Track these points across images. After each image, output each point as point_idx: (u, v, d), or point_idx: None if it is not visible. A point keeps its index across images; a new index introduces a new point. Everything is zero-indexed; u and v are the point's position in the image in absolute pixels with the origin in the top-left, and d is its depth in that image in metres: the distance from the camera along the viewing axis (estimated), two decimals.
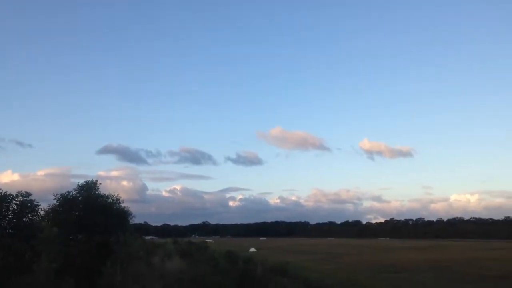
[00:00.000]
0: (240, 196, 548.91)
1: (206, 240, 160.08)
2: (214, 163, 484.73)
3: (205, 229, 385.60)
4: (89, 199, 22.83)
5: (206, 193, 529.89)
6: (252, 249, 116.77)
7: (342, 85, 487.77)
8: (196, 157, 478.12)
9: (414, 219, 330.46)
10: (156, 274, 29.74)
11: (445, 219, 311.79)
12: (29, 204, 17.83)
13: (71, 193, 22.90)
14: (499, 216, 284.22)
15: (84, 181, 23.61)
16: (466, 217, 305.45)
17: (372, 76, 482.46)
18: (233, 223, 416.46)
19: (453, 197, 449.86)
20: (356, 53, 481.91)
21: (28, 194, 18.06)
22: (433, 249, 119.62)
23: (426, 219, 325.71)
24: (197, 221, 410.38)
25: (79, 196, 22.93)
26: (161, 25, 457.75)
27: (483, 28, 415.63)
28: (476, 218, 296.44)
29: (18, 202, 17.53)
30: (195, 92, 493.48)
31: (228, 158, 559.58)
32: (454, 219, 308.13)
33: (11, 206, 17.32)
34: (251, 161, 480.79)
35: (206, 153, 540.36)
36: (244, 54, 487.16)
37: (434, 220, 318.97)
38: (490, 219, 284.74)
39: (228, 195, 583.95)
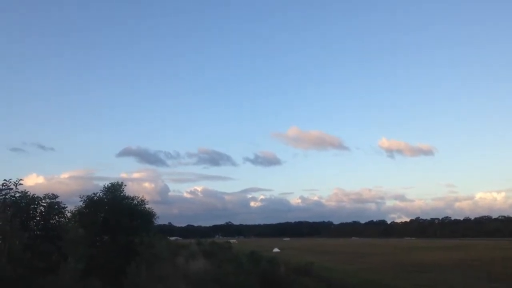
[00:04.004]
0: (261, 197, 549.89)
1: (230, 241, 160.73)
2: (233, 164, 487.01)
3: (228, 229, 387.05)
4: (115, 201, 23.20)
5: (227, 193, 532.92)
6: (276, 249, 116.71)
7: (358, 84, 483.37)
8: (215, 158, 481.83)
9: (440, 218, 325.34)
10: (180, 274, 29.98)
11: (472, 218, 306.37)
12: (56, 206, 18.19)
13: (97, 195, 23.29)
14: None
15: (110, 183, 24.01)
16: (494, 216, 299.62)
17: (387, 74, 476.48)
18: (256, 223, 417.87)
19: (478, 196, 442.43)
20: (372, 50, 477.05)
21: (55, 196, 18.44)
22: (460, 248, 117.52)
23: (452, 218, 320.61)
24: (221, 221, 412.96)
25: (105, 198, 23.31)
26: (177, 26, 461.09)
27: (508, 26, 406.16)
28: (504, 216, 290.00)
29: (45, 204, 17.91)
30: (210, 93, 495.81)
31: (247, 159, 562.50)
32: (482, 217, 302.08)
33: (38, 208, 17.72)
34: (270, 161, 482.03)
35: (224, 154, 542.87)
36: (259, 54, 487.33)
37: (461, 219, 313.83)
38: None
39: (249, 196, 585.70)
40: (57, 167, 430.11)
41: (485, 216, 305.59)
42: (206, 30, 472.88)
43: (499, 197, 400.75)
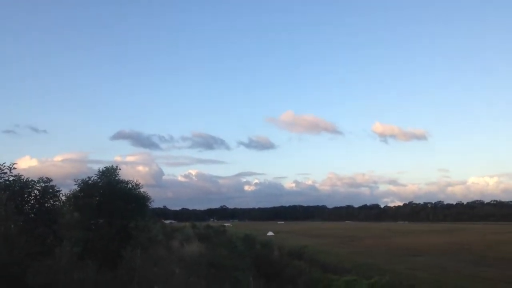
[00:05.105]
0: (256, 181, 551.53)
1: (224, 224, 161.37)
2: (227, 147, 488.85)
3: (223, 213, 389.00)
4: (110, 185, 23.09)
5: (221, 177, 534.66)
6: (270, 233, 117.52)
7: (352, 69, 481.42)
8: (209, 142, 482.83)
9: (433, 202, 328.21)
10: (175, 258, 30.16)
11: (464, 202, 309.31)
12: (50, 190, 18.12)
13: (91, 179, 23.19)
14: None
15: (104, 167, 23.86)
16: (486, 200, 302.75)
17: (381, 59, 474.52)
18: (250, 207, 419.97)
19: (470, 180, 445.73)
20: (365, 35, 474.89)
21: (49, 179, 18.35)
22: (452, 232, 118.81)
23: (445, 202, 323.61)
24: (215, 205, 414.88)
25: (100, 181, 23.21)
26: (171, 10, 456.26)
27: (502, 7, 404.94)
28: (496, 201, 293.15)
29: (39, 188, 17.85)
30: (204, 77, 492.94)
31: (241, 143, 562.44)
32: (474, 202, 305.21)
33: (33, 192, 17.66)
34: (263, 145, 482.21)
35: (218, 137, 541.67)
36: (254, 39, 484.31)
37: (454, 203, 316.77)
38: (511, 201, 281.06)
39: (243, 180, 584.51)
40: (51, 150, 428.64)
41: (477, 200, 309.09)
42: (201, 14, 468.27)
43: (491, 182, 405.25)
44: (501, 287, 34.72)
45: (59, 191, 18.90)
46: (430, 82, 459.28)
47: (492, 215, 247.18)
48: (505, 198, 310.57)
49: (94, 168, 24.25)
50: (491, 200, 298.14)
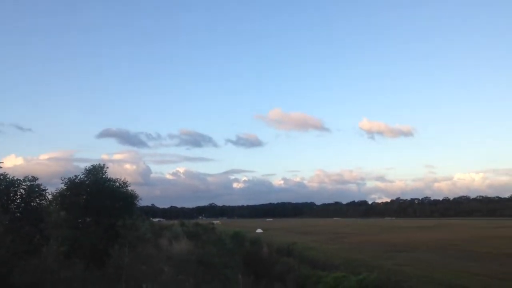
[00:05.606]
0: (244, 178, 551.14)
1: (213, 222, 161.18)
2: (215, 145, 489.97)
3: (212, 210, 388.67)
4: (97, 183, 22.92)
5: (209, 175, 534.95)
6: (259, 230, 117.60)
7: (339, 66, 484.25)
8: (197, 140, 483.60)
9: (420, 198, 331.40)
10: (163, 256, 30.06)
11: (451, 198, 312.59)
12: (36, 189, 17.95)
13: (78, 177, 22.99)
14: (504, 194, 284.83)
15: (91, 165, 23.70)
16: (472, 196, 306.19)
17: (368, 55, 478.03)
18: (239, 204, 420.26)
19: (456, 176, 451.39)
20: (353, 32, 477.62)
21: (35, 178, 18.19)
22: (439, 228, 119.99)
23: (432, 198, 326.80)
24: (204, 203, 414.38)
25: (87, 180, 23.02)
26: (158, 7, 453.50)
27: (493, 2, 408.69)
28: (482, 196, 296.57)
29: (25, 187, 17.66)
30: (192, 74, 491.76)
31: (228, 140, 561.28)
32: (460, 197, 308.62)
33: (18, 191, 17.47)
34: (252, 142, 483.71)
35: (206, 135, 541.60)
36: (242, 36, 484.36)
37: (440, 199, 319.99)
38: (497, 197, 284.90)
39: (231, 177, 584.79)
40: (36, 149, 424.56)
41: (463, 196, 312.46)
42: (189, 11, 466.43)
43: (477, 177, 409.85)
44: (487, 281, 35.09)
45: (45, 190, 18.72)
46: (417, 79, 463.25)
47: (478, 211, 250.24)
48: (490, 193, 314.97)
49: (80, 167, 24.11)
50: (477, 196, 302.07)
